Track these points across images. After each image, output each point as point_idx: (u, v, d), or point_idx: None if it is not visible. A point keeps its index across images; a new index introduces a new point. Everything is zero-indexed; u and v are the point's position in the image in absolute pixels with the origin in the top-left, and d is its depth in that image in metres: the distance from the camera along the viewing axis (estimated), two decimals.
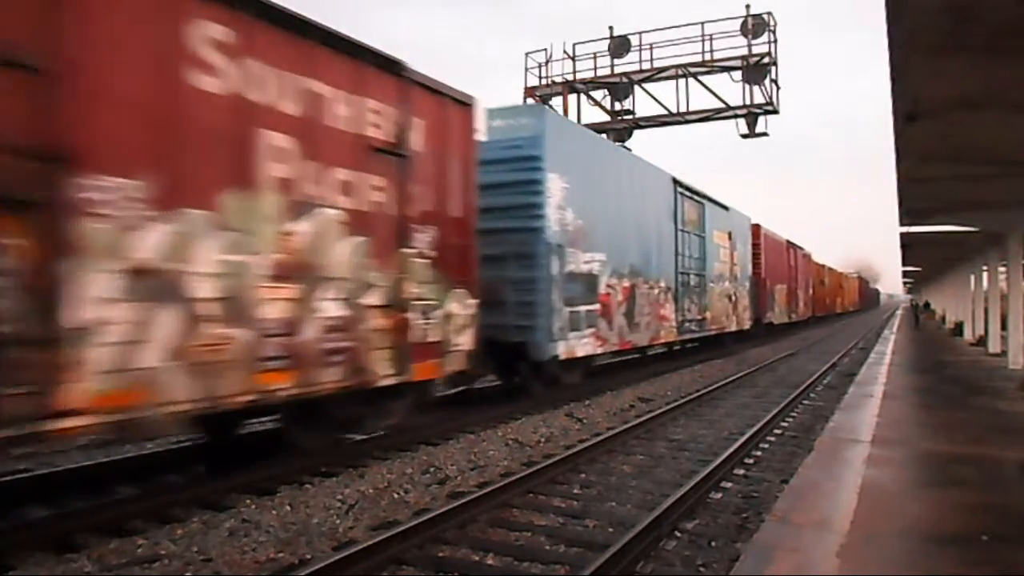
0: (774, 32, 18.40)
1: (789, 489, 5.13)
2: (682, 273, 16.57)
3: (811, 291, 38.28)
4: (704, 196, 18.69)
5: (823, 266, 45.39)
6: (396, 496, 6.19)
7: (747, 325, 23.49)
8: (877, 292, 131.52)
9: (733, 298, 21.65)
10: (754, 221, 25.42)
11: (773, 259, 27.98)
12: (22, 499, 5.92)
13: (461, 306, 8.42)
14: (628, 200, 13.59)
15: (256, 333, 5.66)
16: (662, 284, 15.30)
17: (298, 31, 6.17)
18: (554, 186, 10.79)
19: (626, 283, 13.38)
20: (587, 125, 18.74)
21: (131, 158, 4.83)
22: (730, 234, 21.25)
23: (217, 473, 6.51)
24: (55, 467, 6.85)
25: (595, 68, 20.07)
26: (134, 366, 4.76)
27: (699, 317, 18.06)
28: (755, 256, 25.13)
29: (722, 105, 19.09)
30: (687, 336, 17.41)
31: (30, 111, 4.31)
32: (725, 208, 20.99)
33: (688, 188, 17.38)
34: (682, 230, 16.61)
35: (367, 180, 6.93)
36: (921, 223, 14.09)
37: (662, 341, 15.69)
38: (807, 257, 37.41)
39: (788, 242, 31.71)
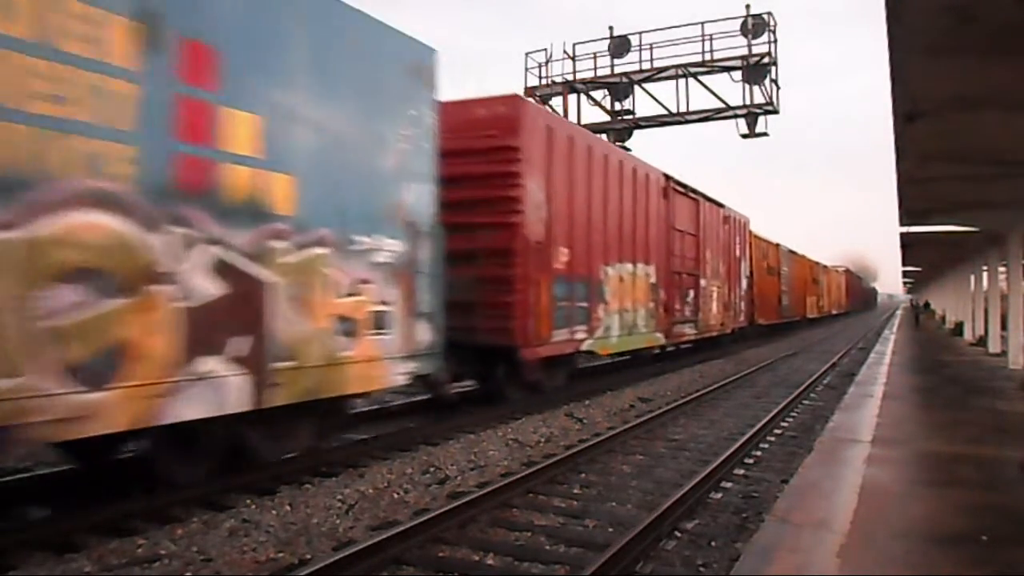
0: (774, 32, 18.41)
1: (789, 489, 5.13)
2: None
3: (746, 283, 22.80)
4: None
5: (777, 246, 29.68)
6: (396, 496, 6.19)
7: (375, 384, 7.17)
8: (874, 291, 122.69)
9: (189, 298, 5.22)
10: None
11: (588, 195, 11.66)
12: (22, 499, 5.92)
13: None
14: None
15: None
16: None
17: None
18: None
19: None
20: (587, 125, 18.74)
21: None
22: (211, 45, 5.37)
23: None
24: (55, 467, 6.84)
25: (595, 68, 20.09)
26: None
27: None
28: (500, 177, 9.83)
29: (722, 105, 19.09)
30: None
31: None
32: None
33: None
34: None
35: None
36: (921, 223, 14.10)
37: None
38: (738, 225, 21.53)
39: (669, 180, 15.37)
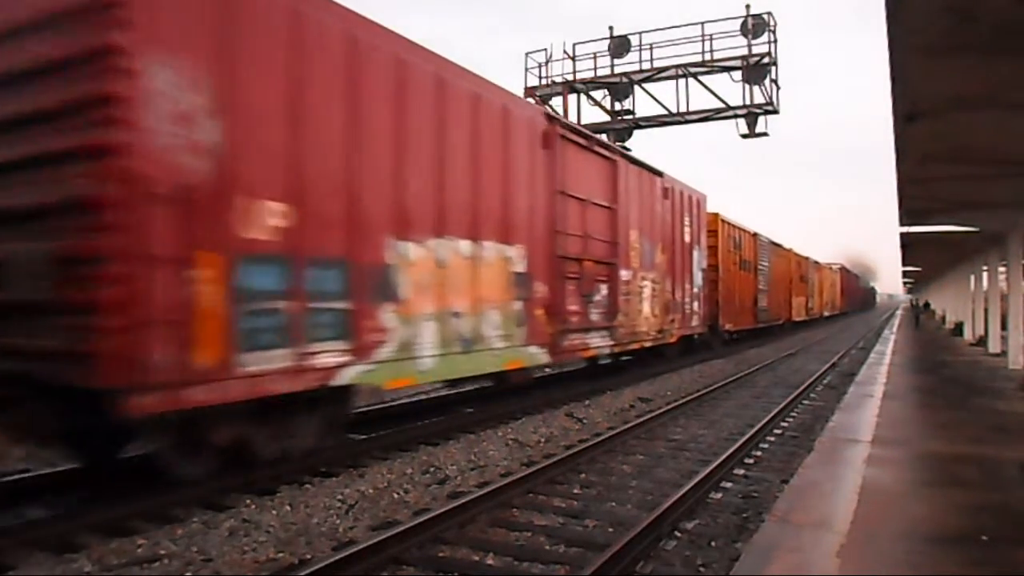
0: (774, 32, 18.41)
1: (789, 489, 5.13)
2: None
3: (701, 278, 17.84)
4: None
5: (755, 236, 25.12)
6: (396, 496, 6.19)
7: None
8: (873, 291, 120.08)
9: None
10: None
11: (356, 121, 6.86)
12: (22, 499, 5.92)
13: None
14: None
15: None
16: None
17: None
18: None
19: None
20: (587, 125, 18.72)
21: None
22: None
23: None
24: (55, 467, 6.84)
25: (595, 68, 20.10)
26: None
27: None
28: (83, 61, 5.07)
29: (722, 105, 19.09)
30: None
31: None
32: None
33: None
34: None
35: None
36: (921, 223, 14.10)
37: None
38: (687, 202, 16.68)
39: (555, 123, 10.74)
